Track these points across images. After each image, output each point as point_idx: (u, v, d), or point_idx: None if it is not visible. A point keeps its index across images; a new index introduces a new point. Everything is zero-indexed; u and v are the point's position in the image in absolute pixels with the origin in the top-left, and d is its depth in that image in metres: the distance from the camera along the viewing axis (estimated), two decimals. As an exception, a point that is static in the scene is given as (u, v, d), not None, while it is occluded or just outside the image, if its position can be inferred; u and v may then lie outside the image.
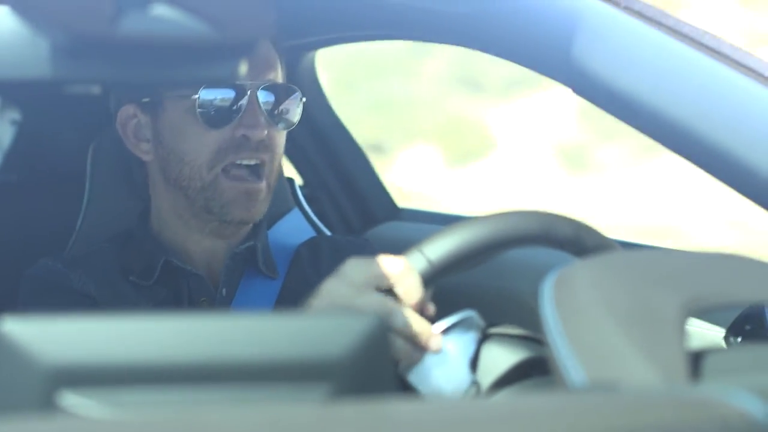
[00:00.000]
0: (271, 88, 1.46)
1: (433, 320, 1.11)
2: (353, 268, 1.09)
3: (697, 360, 0.83)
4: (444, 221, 1.89)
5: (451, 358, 1.11)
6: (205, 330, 0.74)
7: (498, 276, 1.88)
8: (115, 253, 1.54)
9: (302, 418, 0.67)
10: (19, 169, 1.89)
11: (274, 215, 1.69)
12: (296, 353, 0.74)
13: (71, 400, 0.70)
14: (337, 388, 0.73)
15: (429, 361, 1.09)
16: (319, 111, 2.11)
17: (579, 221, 1.11)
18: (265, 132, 1.44)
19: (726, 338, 1.48)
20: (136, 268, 1.51)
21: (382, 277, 1.08)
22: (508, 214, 1.10)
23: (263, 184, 1.47)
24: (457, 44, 1.57)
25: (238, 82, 1.43)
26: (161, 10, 0.80)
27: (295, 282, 1.56)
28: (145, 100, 1.49)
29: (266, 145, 1.46)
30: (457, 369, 1.10)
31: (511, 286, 1.87)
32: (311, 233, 1.81)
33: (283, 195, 1.83)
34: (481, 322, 1.13)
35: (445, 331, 1.11)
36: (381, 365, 0.76)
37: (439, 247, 1.09)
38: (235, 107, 1.44)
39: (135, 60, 0.83)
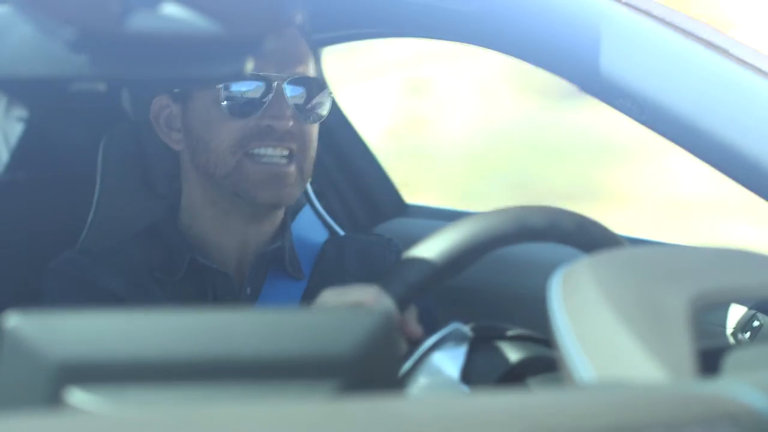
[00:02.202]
0: (299, 81, 1.48)
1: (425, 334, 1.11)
2: (328, 298, 1.12)
3: (704, 356, 0.83)
4: (451, 217, 1.89)
5: (441, 373, 1.10)
6: (212, 326, 0.74)
7: (505, 274, 1.88)
8: (141, 247, 1.54)
9: (309, 415, 0.67)
10: (27, 167, 1.89)
11: (292, 212, 1.69)
12: (303, 350, 0.74)
13: (79, 396, 0.70)
14: (344, 384, 0.73)
15: (420, 378, 1.09)
16: (326, 107, 2.10)
17: (583, 215, 1.11)
18: (290, 123, 1.46)
19: (734, 334, 1.48)
20: (161, 263, 1.52)
21: (357, 303, 1.10)
22: (512, 210, 1.10)
23: (293, 168, 1.48)
24: (466, 42, 1.57)
25: (264, 74, 1.46)
26: (169, 8, 0.80)
27: (319, 283, 1.55)
28: (176, 90, 1.52)
29: (293, 135, 1.47)
30: (449, 383, 1.10)
31: (518, 283, 1.87)
32: (323, 230, 1.82)
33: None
34: (468, 332, 1.13)
35: (434, 347, 1.11)
36: (388, 362, 0.76)
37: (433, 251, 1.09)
38: (261, 99, 1.46)
39: (143, 57, 0.83)
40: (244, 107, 1.46)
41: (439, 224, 1.18)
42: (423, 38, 1.72)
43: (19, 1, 0.82)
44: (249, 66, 0.87)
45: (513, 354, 1.11)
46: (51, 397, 0.70)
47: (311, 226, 1.80)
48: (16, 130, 1.90)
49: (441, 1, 1.52)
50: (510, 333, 1.13)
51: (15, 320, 0.71)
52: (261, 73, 1.46)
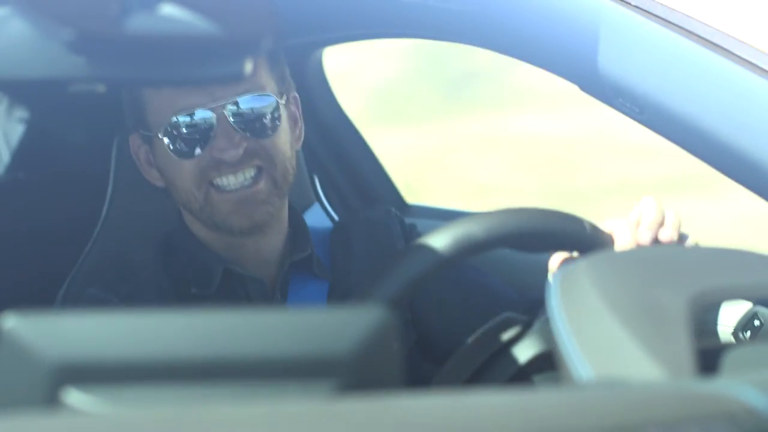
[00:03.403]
0: (244, 99, 1.44)
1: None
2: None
3: (705, 355, 0.83)
4: (453, 217, 1.89)
5: None
6: (210, 326, 0.74)
7: (504, 274, 1.88)
8: (165, 272, 1.53)
9: (308, 414, 0.67)
10: (28, 167, 1.89)
11: (300, 209, 1.69)
12: (302, 349, 0.74)
13: (76, 396, 0.70)
14: (344, 383, 0.73)
15: None
16: (327, 108, 2.11)
17: (583, 219, 1.11)
18: (241, 150, 1.43)
19: (734, 334, 1.48)
20: (192, 278, 1.51)
21: None
22: (513, 210, 1.11)
23: (260, 186, 1.46)
24: (465, 42, 1.57)
25: (199, 110, 1.43)
26: (167, 10, 0.80)
27: (340, 279, 1.56)
28: (142, 131, 1.51)
29: (254, 153, 1.45)
30: None
31: (517, 283, 1.87)
32: (323, 217, 1.81)
33: (304, 190, 1.83)
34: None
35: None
36: (387, 360, 0.76)
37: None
38: (204, 132, 1.44)
39: (141, 59, 0.83)
40: (191, 146, 1.44)
41: (440, 224, 1.18)
42: (421, 38, 1.72)
43: (19, 2, 0.82)
44: (248, 67, 0.86)
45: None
46: (48, 398, 0.70)
47: (322, 223, 1.81)
48: (18, 130, 1.90)
49: (440, 1, 1.52)
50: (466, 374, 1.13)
51: (13, 321, 0.71)
52: (195, 110, 1.43)
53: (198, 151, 1.44)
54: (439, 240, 1.10)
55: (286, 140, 1.49)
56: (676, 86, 1.31)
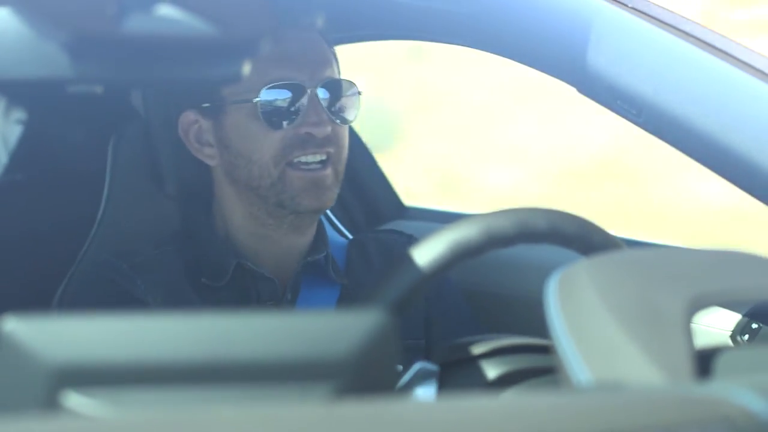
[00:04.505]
0: (328, 84, 1.49)
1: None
2: None
3: (703, 359, 0.83)
4: (450, 219, 1.88)
5: None
6: (209, 329, 0.74)
7: (502, 277, 1.88)
8: (177, 255, 1.54)
9: (307, 417, 0.67)
10: (25, 168, 1.89)
11: None
12: (301, 352, 0.74)
13: (75, 399, 0.70)
14: (342, 386, 0.73)
15: None
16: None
17: (585, 219, 1.11)
18: (329, 128, 1.47)
19: (733, 337, 1.48)
20: (204, 269, 1.52)
21: None
22: (512, 211, 1.11)
23: (329, 171, 1.48)
24: (463, 44, 1.57)
25: (296, 82, 1.46)
26: (165, 10, 0.80)
27: (352, 286, 1.58)
28: (206, 105, 1.51)
29: (330, 140, 1.48)
30: None
31: (515, 286, 1.87)
32: (333, 232, 1.82)
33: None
34: (433, 368, 1.12)
35: (403, 389, 1.09)
36: (385, 364, 0.76)
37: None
38: (296, 106, 1.47)
39: (139, 59, 0.83)
40: (281, 117, 1.47)
41: (438, 226, 1.18)
42: (419, 41, 1.72)
43: (17, 3, 0.82)
44: (246, 68, 0.86)
45: (490, 371, 1.10)
46: (48, 401, 0.70)
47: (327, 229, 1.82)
48: (15, 132, 1.90)
49: (437, 3, 1.52)
50: (480, 350, 1.12)
51: (12, 323, 0.71)
52: (294, 81, 1.46)
53: (286, 123, 1.47)
54: (436, 244, 1.11)
55: (347, 135, 1.53)
56: (674, 89, 1.31)
